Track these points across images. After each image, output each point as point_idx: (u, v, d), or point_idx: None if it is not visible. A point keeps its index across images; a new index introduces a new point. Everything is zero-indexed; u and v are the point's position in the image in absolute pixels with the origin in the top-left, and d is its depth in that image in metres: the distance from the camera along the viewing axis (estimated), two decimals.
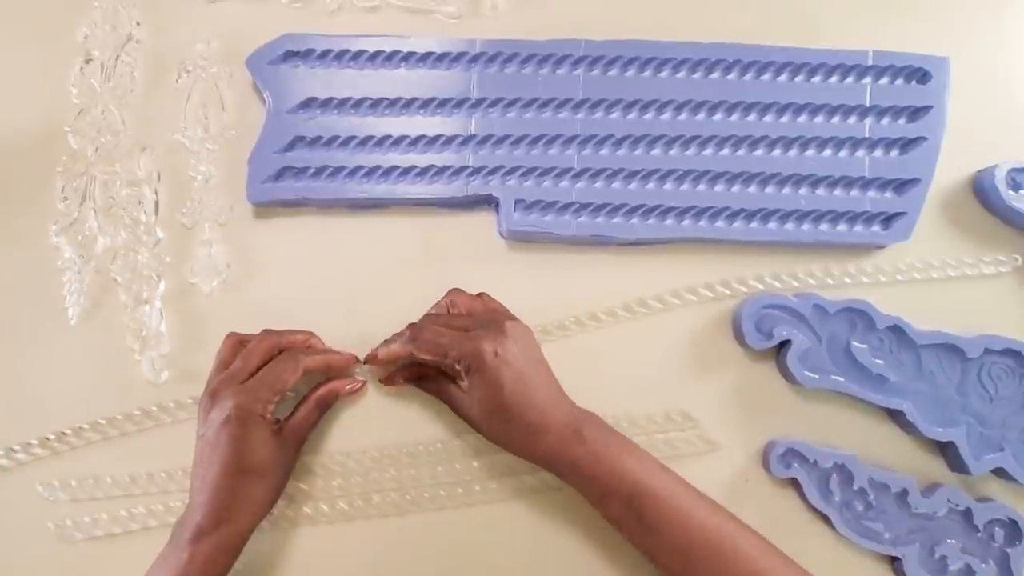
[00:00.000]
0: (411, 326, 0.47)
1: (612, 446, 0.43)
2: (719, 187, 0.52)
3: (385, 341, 0.48)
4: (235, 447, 0.43)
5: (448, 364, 0.44)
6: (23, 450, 0.49)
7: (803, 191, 0.52)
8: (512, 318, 0.46)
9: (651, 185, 0.52)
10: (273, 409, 0.45)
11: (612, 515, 0.43)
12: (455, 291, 0.49)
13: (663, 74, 0.53)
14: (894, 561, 0.49)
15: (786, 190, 0.52)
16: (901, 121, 0.53)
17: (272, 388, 0.44)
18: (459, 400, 0.46)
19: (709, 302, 0.52)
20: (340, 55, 0.52)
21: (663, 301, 0.52)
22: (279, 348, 0.47)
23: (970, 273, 0.52)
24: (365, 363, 0.49)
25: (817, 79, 0.53)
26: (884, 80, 0.53)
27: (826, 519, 0.48)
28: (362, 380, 0.50)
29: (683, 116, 0.52)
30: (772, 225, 0.52)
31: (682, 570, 0.42)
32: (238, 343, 0.47)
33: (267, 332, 0.48)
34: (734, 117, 0.52)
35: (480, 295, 0.49)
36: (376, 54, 0.52)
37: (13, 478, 0.50)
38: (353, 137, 0.52)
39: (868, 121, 0.52)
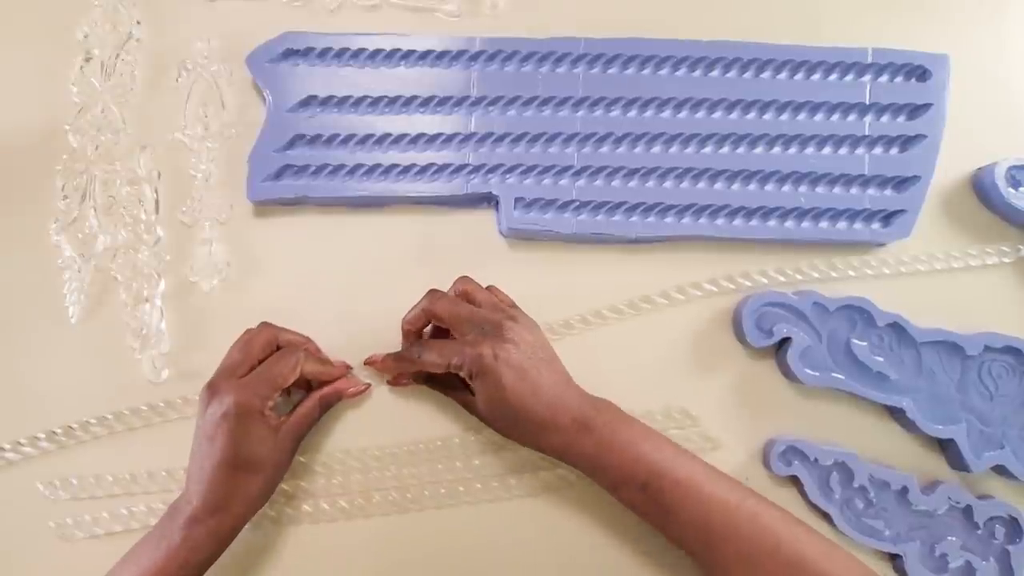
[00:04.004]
0: (414, 342, 0.47)
1: (623, 434, 0.43)
2: (719, 185, 0.52)
3: (390, 355, 0.48)
4: (232, 442, 0.43)
5: (454, 371, 0.45)
6: (29, 443, 0.49)
7: (803, 189, 0.52)
8: (513, 317, 0.46)
9: (651, 183, 0.52)
10: (272, 405, 0.45)
11: (628, 501, 0.43)
12: (465, 280, 0.49)
13: (663, 72, 0.53)
14: (895, 559, 0.49)
15: (786, 188, 0.52)
16: (901, 119, 0.53)
17: (271, 384, 0.45)
18: (470, 403, 0.47)
19: (710, 298, 0.52)
20: (340, 53, 0.52)
21: (666, 296, 0.52)
22: (277, 342, 0.47)
23: (973, 264, 0.52)
24: (366, 365, 0.49)
25: (817, 77, 0.53)
26: (884, 78, 0.53)
27: (827, 517, 0.48)
28: (367, 383, 0.50)
29: (683, 114, 0.52)
30: (772, 223, 0.52)
31: (704, 550, 0.42)
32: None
33: (266, 324, 0.48)
34: (734, 115, 0.52)
35: (490, 288, 0.49)
36: (376, 52, 0.52)
37: (14, 477, 0.50)
38: (353, 135, 0.52)
39: (868, 119, 0.52)
